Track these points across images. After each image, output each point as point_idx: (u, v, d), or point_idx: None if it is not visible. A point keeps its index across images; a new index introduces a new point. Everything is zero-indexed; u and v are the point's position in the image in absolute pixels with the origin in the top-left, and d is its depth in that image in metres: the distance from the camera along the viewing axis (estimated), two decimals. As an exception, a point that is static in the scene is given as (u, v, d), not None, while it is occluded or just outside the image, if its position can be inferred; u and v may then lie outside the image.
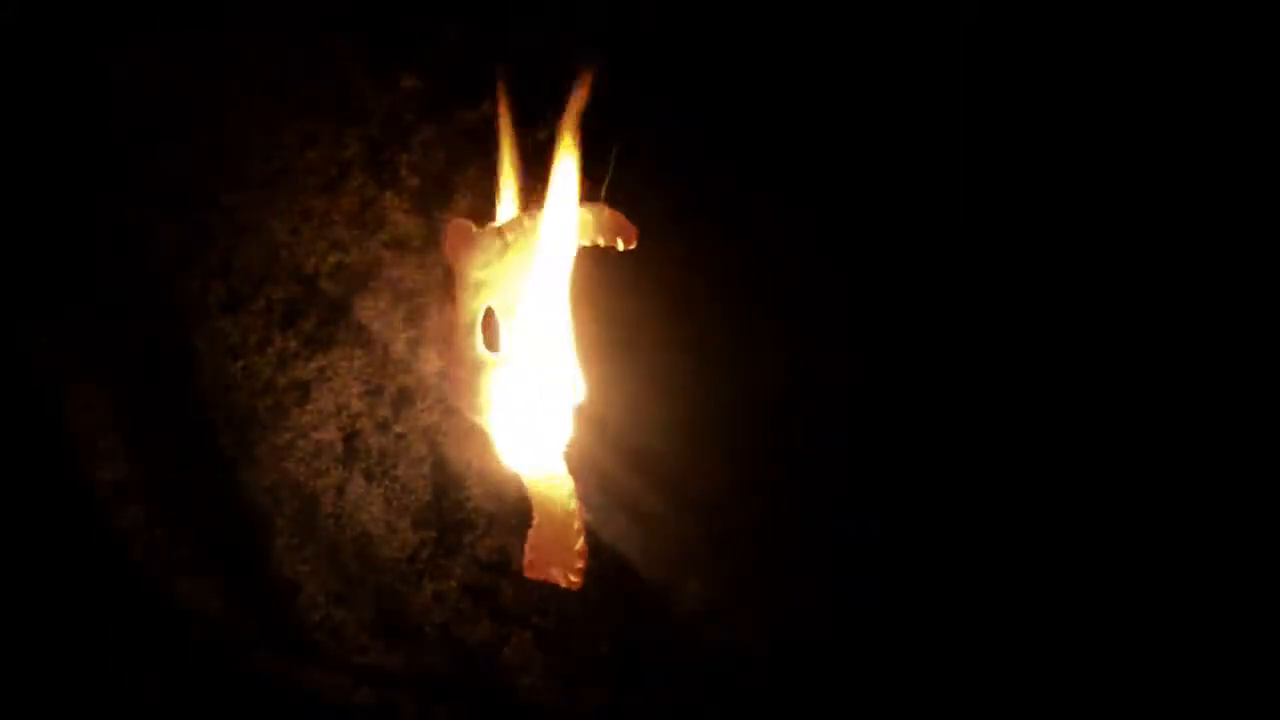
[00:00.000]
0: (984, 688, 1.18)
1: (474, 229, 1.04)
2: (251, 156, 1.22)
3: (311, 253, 1.23)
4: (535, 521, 1.03)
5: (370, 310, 1.24)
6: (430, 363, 1.23)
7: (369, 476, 1.24)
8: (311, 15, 1.21)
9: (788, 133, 1.20)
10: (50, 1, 1.19)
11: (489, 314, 1.04)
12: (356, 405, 1.24)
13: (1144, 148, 1.17)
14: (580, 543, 1.01)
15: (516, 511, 1.22)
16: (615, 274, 1.11)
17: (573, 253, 1.03)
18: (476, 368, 1.02)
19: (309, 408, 1.24)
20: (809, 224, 1.21)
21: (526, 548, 1.03)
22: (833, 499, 1.20)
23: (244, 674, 1.21)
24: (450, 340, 1.05)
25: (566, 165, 1.02)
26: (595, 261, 1.06)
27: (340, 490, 1.24)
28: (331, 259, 1.23)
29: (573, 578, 1.02)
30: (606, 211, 1.04)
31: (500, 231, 1.03)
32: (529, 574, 1.04)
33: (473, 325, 1.03)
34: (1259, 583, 1.16)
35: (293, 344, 1.23)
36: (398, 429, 1.24)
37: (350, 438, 1.24)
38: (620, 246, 1.04)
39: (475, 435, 1.06)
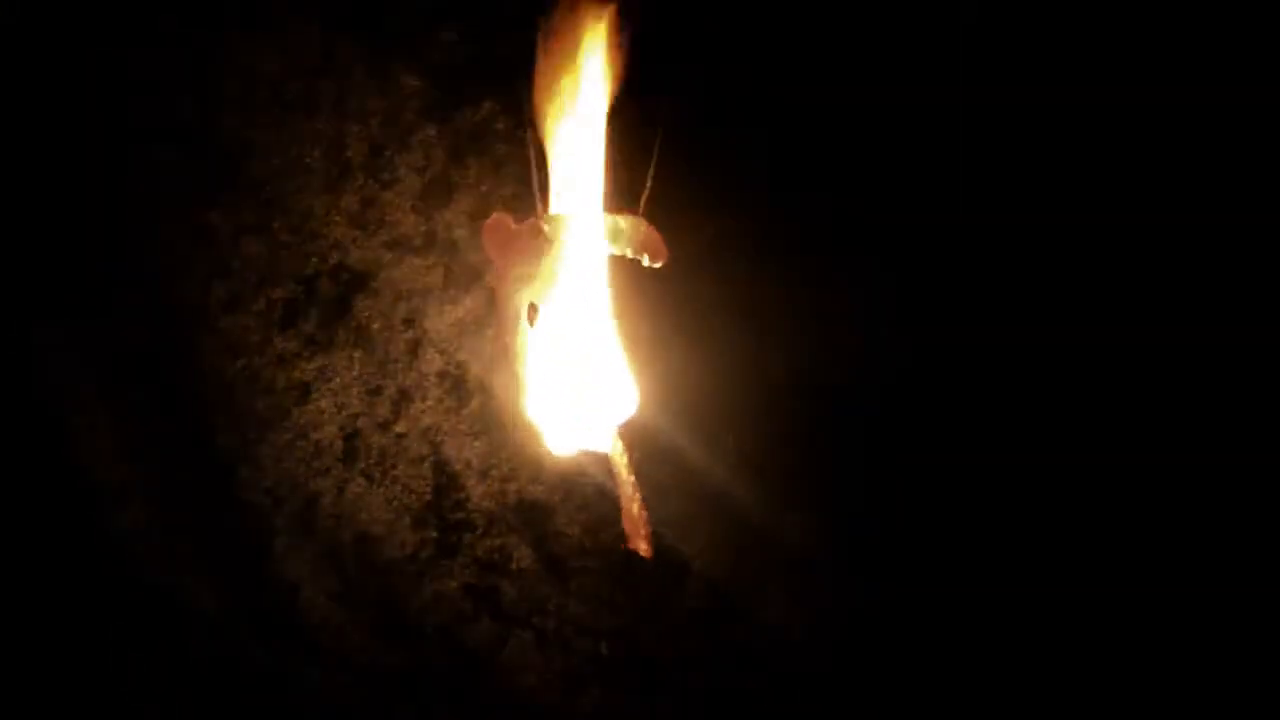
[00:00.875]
0: (995, 688, 1.18)
1: (513, 224, 1.04)
2: (252, 156, 1.22)
3: (311, 253, 1.23)
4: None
5: (370, 310, 1.24)
6: (430, 363, 1.24)
7: (369, 476, 1.24)
8: (312, 15, 1.21)
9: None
10: (50, 2, 1.19)
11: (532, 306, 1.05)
12: (356, 405, 1.24)
13: (1144, 147, 1.18)
14: (637, 510, 1.03)
15: (517, 511, 1.22)
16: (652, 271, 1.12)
17: (609, 250, 1.05)
18: (523, 358, 1.04)
19: (309, 408, 1.24)
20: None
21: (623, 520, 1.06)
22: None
23: (244, 674, 1.21)
24: (497, 333, 1.07)
25: (600, 161, 1.03)
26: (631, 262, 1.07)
27: (340, 490, 1.24)
28: (331, 259, 1.23)
29: (643, 545, 1.04)
30: (642, 225, 1.06)
31: (539, 226, 1.04)
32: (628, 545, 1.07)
33: (518, 317, 1.04)
34: (1259, 583, 1.16)
35: (293, 344, 1.23)
36: (398, 429, 1.24)
37: (350, 438, 1.24)
38: (646, 262, 1.05)
39: (525, 425, 1.08)
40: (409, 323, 1.23)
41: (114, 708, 1.20)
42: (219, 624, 1.22)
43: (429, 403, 1.23)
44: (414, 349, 1.24)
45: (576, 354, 1.04)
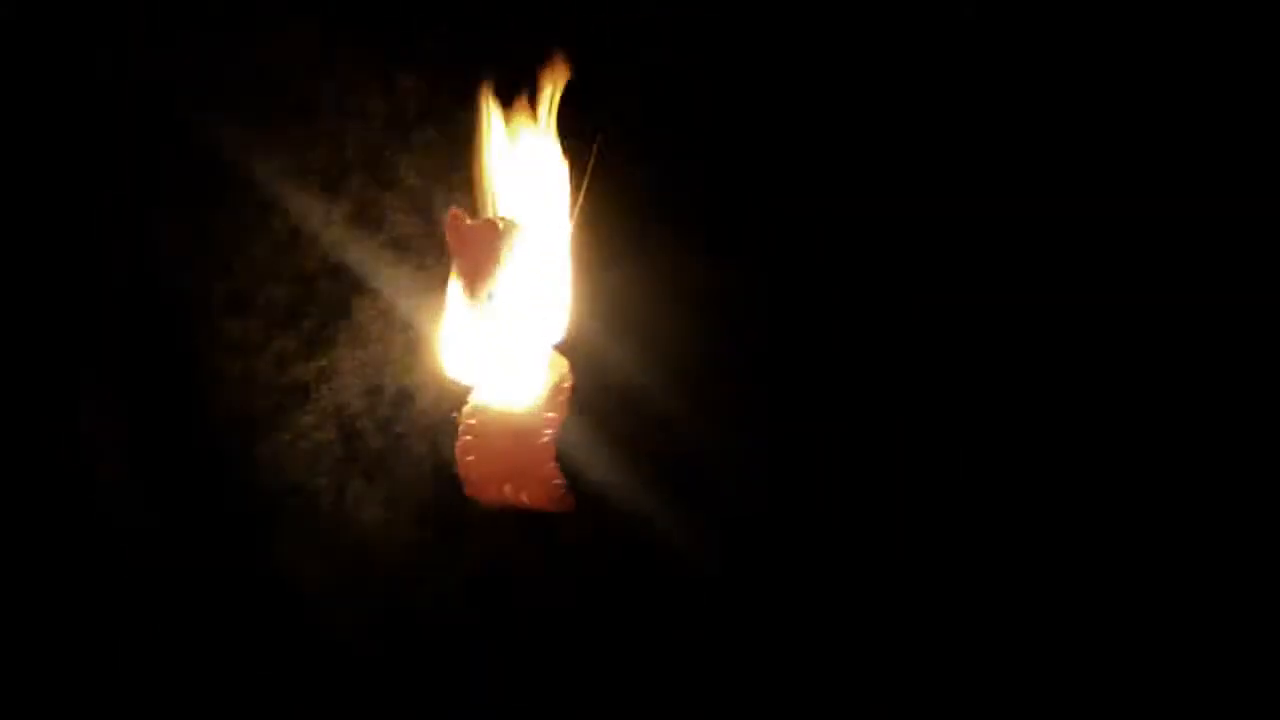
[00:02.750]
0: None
1: (468, 219, 1.06)
2: (252, 156, 1.22)
3: (311, 253, 1.23)
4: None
5: (370, 310, 1.24)
6: (430, 363, 1.23)
7: (369, 476, 1.24)
8: (312, 15, 1.21)
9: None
10: (50, 1, 1.19)
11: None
12: (356, 405, 1.24)
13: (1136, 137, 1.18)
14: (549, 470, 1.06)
15: (516, 511, 1.22)
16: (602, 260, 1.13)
17: (564, 244, 1.06)
18: (472, 354, 1.06)
19: (309, 408, 1.24)
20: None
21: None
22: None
23: (244, 674, 1.21)
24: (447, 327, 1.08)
25: (551, 158, 1.05)
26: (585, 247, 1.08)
27: (340, 490, 1.24)
28: (331, 259, 1.23)
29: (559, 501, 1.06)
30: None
31: (493, 223, 1.06)
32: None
33: (449, 308, 1.06)
34: (1258, 582, 1.16)
35: (293, 344, 1.24)
36: (398, 429, 1.24)
37: (350, 438, 1.24)
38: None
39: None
40: (409, 323, 1.23)
41: (113, 708, 1.20)
42: (218, 624, 1.22)
43: (429, 403, 1.23)
44: (414, 349, 1.24)
45: (520, 356, 1.07)
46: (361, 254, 1.23)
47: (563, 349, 1.09)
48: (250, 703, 1.20)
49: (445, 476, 1.23)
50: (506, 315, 1.06)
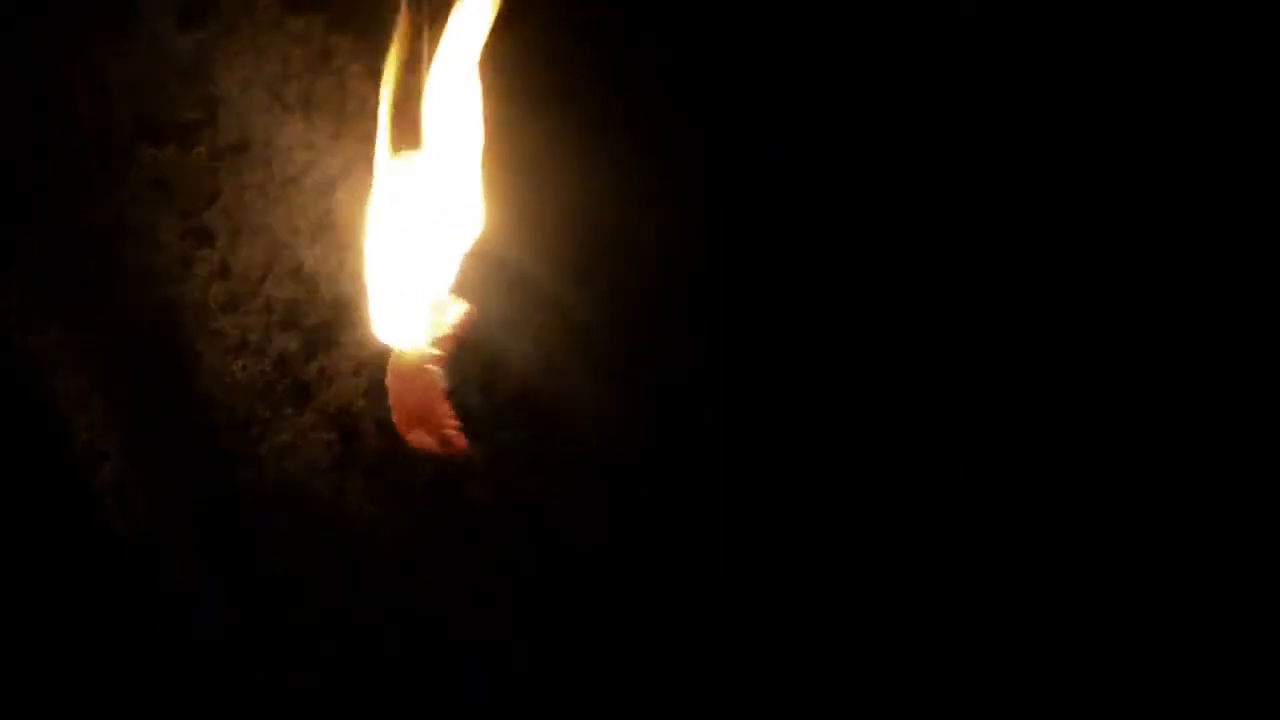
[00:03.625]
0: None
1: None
2: (252, 156, 1.22)
3: (311, 253, 1.23)
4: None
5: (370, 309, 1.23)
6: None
7: (369, 476, 1.24)
8: (312, 14, 1.21)
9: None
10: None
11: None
12: (356, 405, 1.24)
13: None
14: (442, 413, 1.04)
15: (518, 512, 1.23)
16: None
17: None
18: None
19: (309, 408, 1.24)
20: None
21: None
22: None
23: (244, 674, 1.21)
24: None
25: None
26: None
27: (340, 490, 1.24)
28: (331, 259, 1.23)
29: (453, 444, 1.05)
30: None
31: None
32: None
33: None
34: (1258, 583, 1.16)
35: (293, 344, 1.23)
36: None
37: (350, 438, 1.24)
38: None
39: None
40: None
41: (113, 709, 1.20)
42: (218, 624, 1.22)
43: (428, 402, 1.23)
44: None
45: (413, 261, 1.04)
46: (361, 254, 1.23)
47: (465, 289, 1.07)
48: (250, 703, 1.20)
49: (445, 476, 1.24)
50: (404, 253, 1.04)
